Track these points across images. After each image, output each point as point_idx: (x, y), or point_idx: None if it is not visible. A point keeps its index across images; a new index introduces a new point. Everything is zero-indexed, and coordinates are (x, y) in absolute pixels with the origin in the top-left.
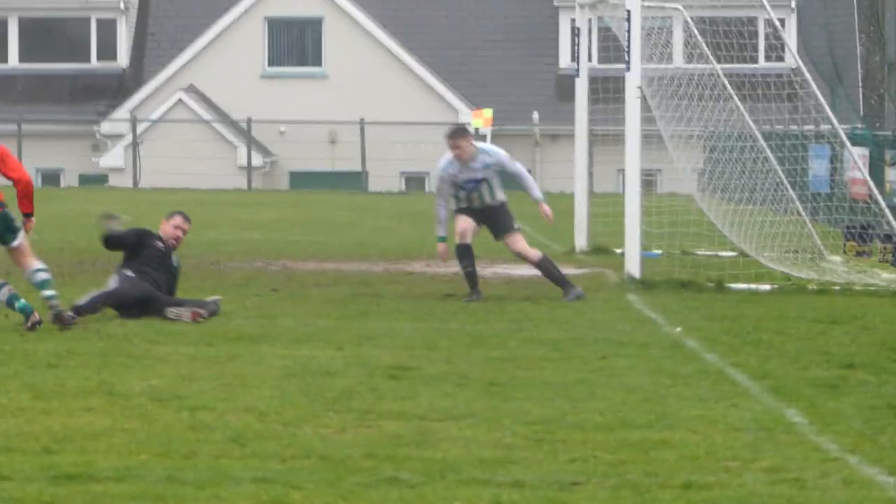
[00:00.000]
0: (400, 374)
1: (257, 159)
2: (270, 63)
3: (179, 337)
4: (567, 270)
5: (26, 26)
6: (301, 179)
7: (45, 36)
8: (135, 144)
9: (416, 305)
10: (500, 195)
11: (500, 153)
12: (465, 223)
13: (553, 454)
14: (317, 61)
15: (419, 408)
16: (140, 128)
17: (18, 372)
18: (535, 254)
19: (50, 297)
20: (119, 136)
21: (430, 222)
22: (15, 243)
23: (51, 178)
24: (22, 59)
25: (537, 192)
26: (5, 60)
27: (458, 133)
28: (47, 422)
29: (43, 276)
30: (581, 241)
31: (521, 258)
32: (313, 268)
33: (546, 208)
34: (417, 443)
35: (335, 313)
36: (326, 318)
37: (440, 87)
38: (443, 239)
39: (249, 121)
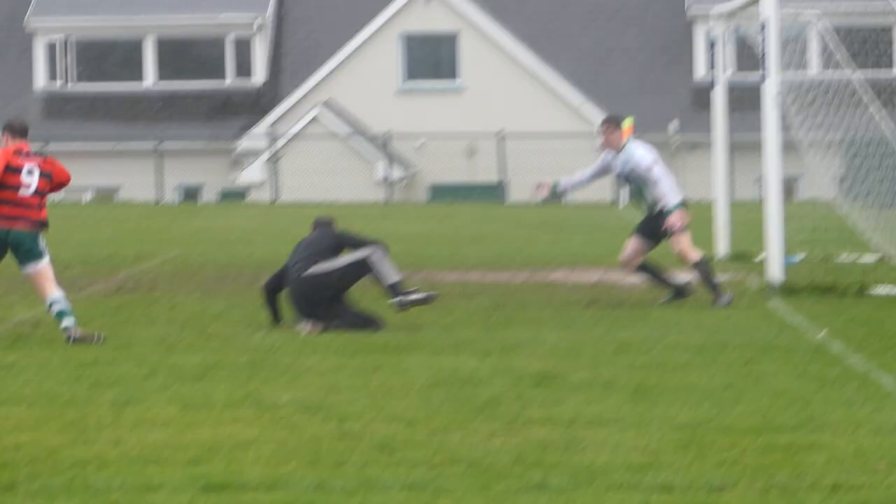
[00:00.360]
0: (546, 382)
1: (396, 172)
2: (407, 77)
3: (324, 348)
4: None
5: (163, 46)
6: (440, 192)
7: (181, 55)
8: (273, 160)
9: (560, 314)
10: (661, 202)
11: (637, 160)
12: (630, 245)
13: (701, 458)
14: (452, 74)
15: (566, 414)
16: (278, 143)
17: (166, 384)
18: (695, 255)
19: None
20: (257, 152)
21: (570, 232)
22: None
23: (191, 194)
24: (159, 78)
25: (669, 203)
26: (143, 79)
27: (606, 121)
28: (195, 433)
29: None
30: (722, 248)
31: (682, 258)
32: (456, 278)
33: (672, 219)
34: (565, 448)
35: (479, 323)
36: (471, 328)
37: (578, 97)
38: (555, 184)
39: (388, 134)
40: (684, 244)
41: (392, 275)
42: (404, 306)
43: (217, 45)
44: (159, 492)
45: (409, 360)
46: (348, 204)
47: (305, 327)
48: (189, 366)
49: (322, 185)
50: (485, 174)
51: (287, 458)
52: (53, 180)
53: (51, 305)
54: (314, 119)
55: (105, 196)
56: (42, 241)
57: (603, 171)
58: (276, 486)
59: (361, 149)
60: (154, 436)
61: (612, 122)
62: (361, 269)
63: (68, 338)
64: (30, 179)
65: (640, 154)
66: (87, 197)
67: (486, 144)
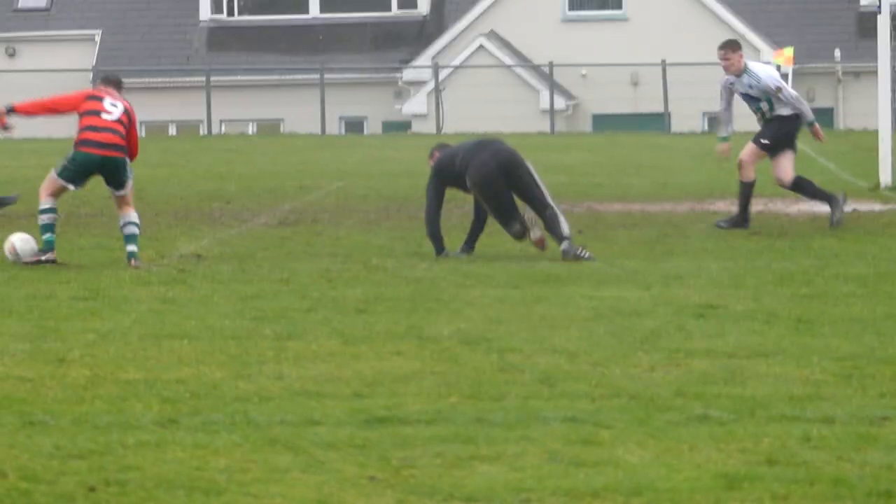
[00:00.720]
0: (707, 313)
1: (560, 103)
2: (571, 7)
3: (487, 280)
4: (872, 206)
5: None
6: (604, 122)
7: None
8: (437, 91)
9: (722, 244)
10: (784, 110)
11: (764, 78)
12: (745, 154)
13: (862, 390)
14: (617, 4)
15: (727, 346)
16: (442, 74)
17: (327, 318)
18: (788, 178)
19: (131, 254)
20: (421, 83)
21: (733, 162)
22: (120, 192)
23: (354, 125)
24: (322, 9)
25: (809, 116)
26: (306, 11)
27: (725, 45)
28: (357, 366)
29: (131, 229)
30: (886, 177)
31: (778, 182)
32: (619, 209)
33: (818, 129)
34: (726, 380)
35: (641, 254)
36: (633, 259)
37: (741, 27)
38: (723, 139)
39: (551, 65)
40: (782, 169)
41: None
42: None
43: None
44: (321, 426)
45: (570, 292)
46: (511, 134)
47: (461, 255)
48: (351, 299)
49: (485, 116)
50: (648, 104)
51: (448, 391)
52: (131, 128)
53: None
54: (478, 49)
55: (269, 128)
56: (129, 169)
57: (730, 98)
58: (437, 419)
59: (525, 79)
60: (315, 370)
61: (730, 47)
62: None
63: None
64: (113, 108)
65: (765, 74)
66: (251, 129)
67: (649, 74)
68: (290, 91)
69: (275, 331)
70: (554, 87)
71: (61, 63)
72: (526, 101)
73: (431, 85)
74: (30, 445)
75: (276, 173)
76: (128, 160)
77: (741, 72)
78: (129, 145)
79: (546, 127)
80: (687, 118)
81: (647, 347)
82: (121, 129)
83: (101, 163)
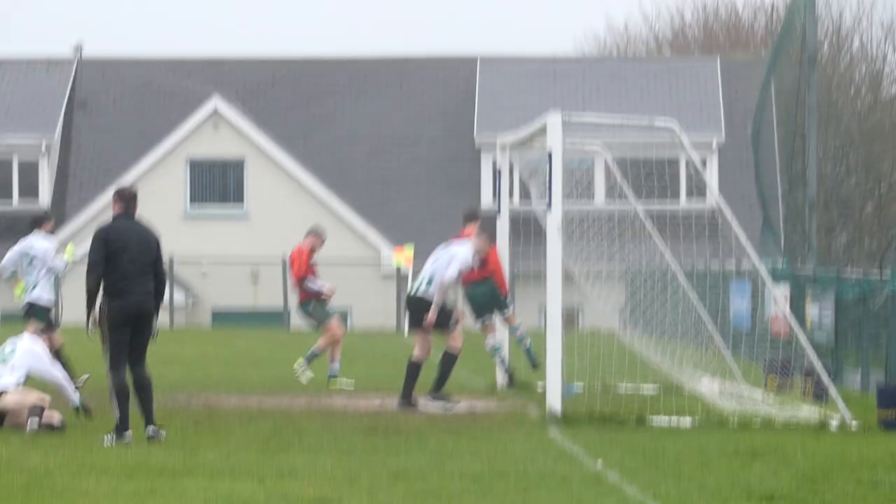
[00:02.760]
0: None
1: (180, 297)
2: (192, 202)
3: (102, 470)
4: (488, 405)
5: None
6: (223, 317)
7: None
8: (57, 282)
9: (338, 440)
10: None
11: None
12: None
13: None
14: (238, 200)
15: None
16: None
17: None
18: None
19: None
20: None
21: (352, 357)
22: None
23: None
24: None
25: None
26: None
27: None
28: None
29: None
30: (502, 376)
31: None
32: (236, 403)
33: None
34: None
35: (256, 447)
36: (248, 452)
37: (361, 225)
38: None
39: (171, 260)
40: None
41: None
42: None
43: (4, 165)
44: None
45: (185, 484)
46: None
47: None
48: None
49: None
50: (268, 299)
51: None
52: None
53: None
54: None
55: None
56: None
57: None
58: None
59: None
60: None
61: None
62: None
63: None
64: None
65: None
66: None
67: (269, 270)
68: None
69: None
70: (174, 281)
71: None
72: None
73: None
74: None
75: None
76: None
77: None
78: None
79: (165, 321)
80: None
81: None
82: None
83: None
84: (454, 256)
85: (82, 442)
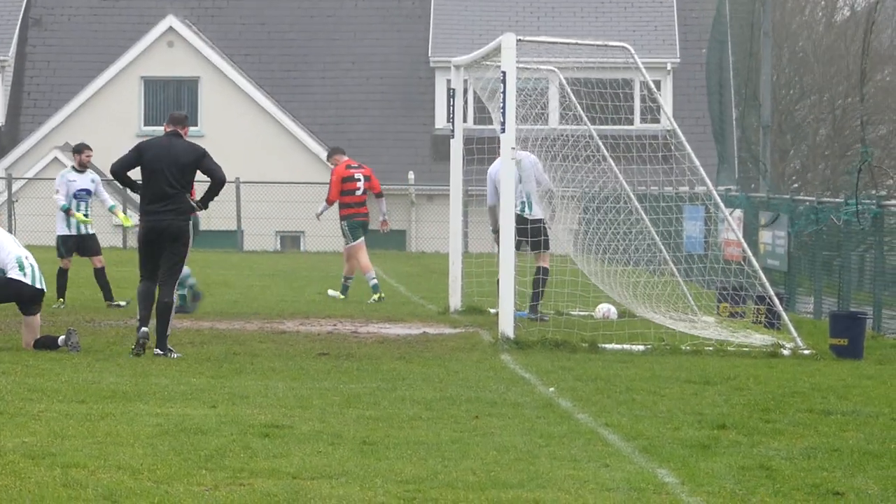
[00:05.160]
0: (273, 433)
1: (133, 218)
2: (146, 122)
3: (52, 394)
4: (441, 330)
5: None
6: None
7: None
8: (10, 202)
9: (290, 364)
10: None
11: None
12: None
13: None
14: (193, 121)
15: (292, 466)
16: (15, 186)
17: None
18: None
19: None
20: None
21: (304, 281)
22: None
23: None
24: None
25: None
26: None
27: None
28: None
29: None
30: (455, 301)
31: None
32: (188, 326)
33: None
34: (289, 501)
35: (209, 372)
36: (200, 377)
37: (315, 147)
38: None
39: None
40: None
41: None
42: None
43: None
44: None
45: (137, 408)
46: None
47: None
48: None
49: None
50: (222, 221)
51: None
52: None
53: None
54: (52, 161)
55: None
56: None
57: None
58: None
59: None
60: None
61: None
62: None
63: None
64: None
65: None
66: None
67: (223, 191)
68: None
69: None
70: (127, 201)
71: None
72: (102, 213)
73: (4, 196)
74: None
75: None
76: None
77: None
78: None
79: (119, 242)
80: (260, 237)
81: (211, 466)
82: None
83: None
84: (534, 165)
85: (34, 365)
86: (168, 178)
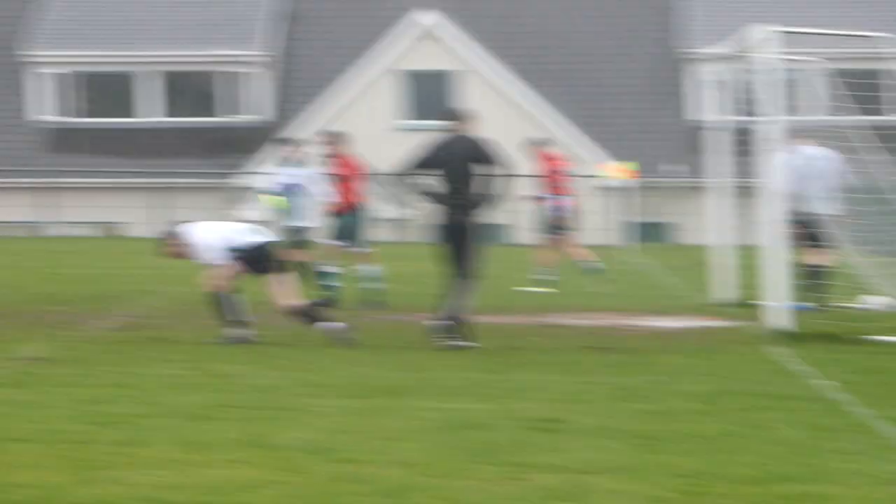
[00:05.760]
0: (550, 427)
1: (400, 212)
2: (403, 117)
3: (332, 389)
4: (709, 322)
5: (171, 81)
6: None
7: (183, 90)
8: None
9: (561, 358)
10: None
11: None
12: None
13: None
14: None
15: (570, 461)
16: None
17: (168, 424)
18: None
19: None
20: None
21: (572, 272)
22: None
23: None
24: (166, 114)
25: None
26: (136, 115)
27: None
28: (198, 473)
29: None
30: (727, 293)
31: None
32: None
33: None
34: (570, 495)
35: (483, 366)
36: (476, 371)
37: (576, 138)
38: None
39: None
40: None
41: None
42: None
43: (230, 80)
44: None
45: (415, 403)
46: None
47: None
48: (192, 405)
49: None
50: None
51: (290, 501)
52: None
53: None
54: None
55: (106, 230)
56: None
57: None
58: None
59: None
60: (155, 476)
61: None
62: None
63: None
64: None
65: None
66: (90, 231)
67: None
68: (127, 194)
69: (115, 436)
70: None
71: None
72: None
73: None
74: None
75: (116, 276)
76: None
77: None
78: None
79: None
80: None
81: (490, 460)
82: None
83: None
84: (829, 160)
85: (311, 361)
86: None
